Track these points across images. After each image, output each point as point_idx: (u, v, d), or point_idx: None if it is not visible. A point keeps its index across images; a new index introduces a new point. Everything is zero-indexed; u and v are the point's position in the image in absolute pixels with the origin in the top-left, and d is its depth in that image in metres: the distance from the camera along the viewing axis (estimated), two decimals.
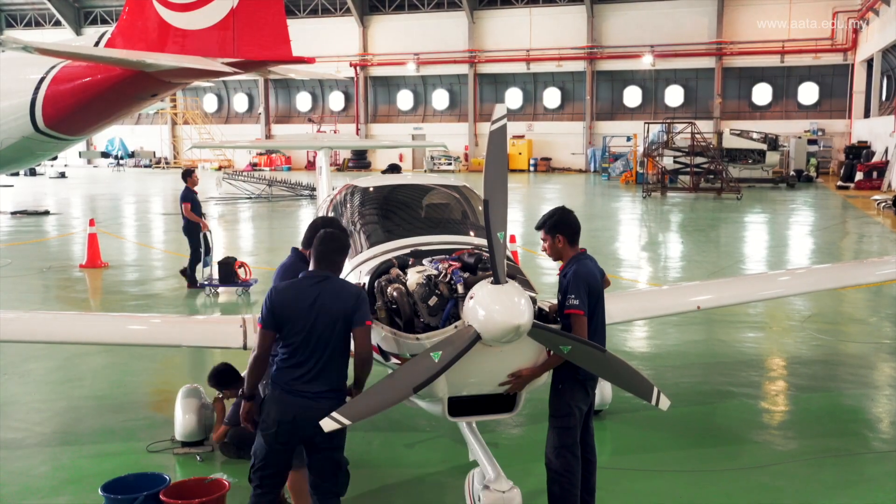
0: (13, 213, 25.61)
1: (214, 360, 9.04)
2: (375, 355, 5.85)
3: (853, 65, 45.37)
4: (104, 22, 57.92)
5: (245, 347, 6.54)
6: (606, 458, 6.75)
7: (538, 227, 5.30)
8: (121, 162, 58.59)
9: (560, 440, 5.04)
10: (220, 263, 13.13)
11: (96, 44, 17.49)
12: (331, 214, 6.96)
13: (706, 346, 10.00)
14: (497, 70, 53.00)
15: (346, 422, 4.78)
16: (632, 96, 51.17)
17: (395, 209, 6.69)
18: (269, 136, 57.58)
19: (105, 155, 59.75)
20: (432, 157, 51.36)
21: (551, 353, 4.82)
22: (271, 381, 4.73)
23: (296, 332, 4.59)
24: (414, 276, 5.20)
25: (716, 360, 9.37)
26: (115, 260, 16.44)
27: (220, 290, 13.05)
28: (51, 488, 6.03)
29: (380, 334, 5.11)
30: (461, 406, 4.92)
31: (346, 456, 4.83)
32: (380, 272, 5.45)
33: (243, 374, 7.05)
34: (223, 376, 6.79)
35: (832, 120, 46.70)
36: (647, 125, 36.83)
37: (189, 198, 13.42)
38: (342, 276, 6.11)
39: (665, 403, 5.25)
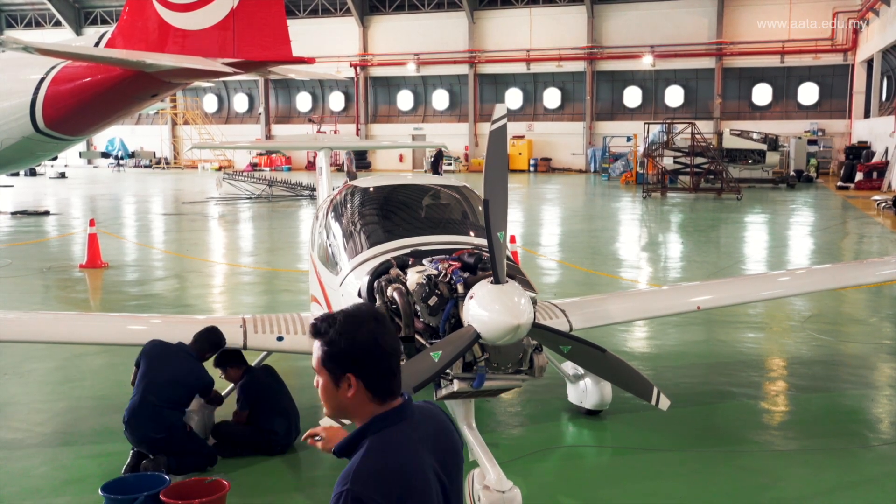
0: (13, 214, 25.61)
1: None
2: None
3: (853, 65, 45.38)
4: (104, 22, 57.94)
5: (245, 347, 6.54)
6: (607, 458, 6.76)
7: None
8: (121, 162, 58.61)
9: None
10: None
11: (96, 44, 17.51)
12: (331, 214, 6.96)
13: (706, 347, 10.00)
14: (497, 70, 53.00)
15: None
16: (632, 96, 51.18)
17: (394, 209, 6.69)
18: (269, 136, 57.58)
19: (105, 155, 59.76)
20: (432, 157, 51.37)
21: None
22: None
23: None
24: (414, 276, 5.20)
25: (716, 361, 9.36)
26: (115, 260, 16.43)
27: None
28: (51, 488, 6.03)
29: None
30: None
31: None
32: (379, 272, 5.45)
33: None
34: (226, 355, 6.72)
35: (832, 120, 46.71)
36: (647, 125, 36.82)
37: None
38: (344, 274, 6.13)
39: (665, 403, 5.26)
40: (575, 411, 7.45)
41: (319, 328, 2.50)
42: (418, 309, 5.07)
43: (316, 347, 2.50)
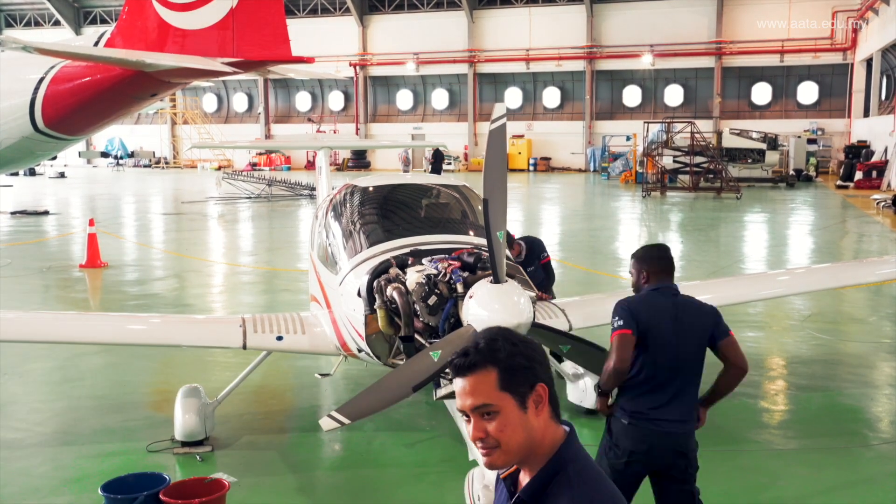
0: (13, 213, 25.60)
1: (214, 360, 9.06)
2: (369, 355, 5.86)
3: (853, 64, 45.37)
4: (104, 22, 57.90)
5: (244, 347, 6.54)
6: None
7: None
8: (120, 162, 58.57)
9: None
10: None
11: (96, 44, 17.49)
12: (331, 214, 6.96)
13: None
14: (496, 70, 52.99)
15: (346, 420, 4.79)
16: (631, 96, 51.16)
17: (394, 209, 6.70)
18: (268, 135, 57.55)
19: (104, 155, 59.70)
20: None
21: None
22: (619, 407, 4.34)
23: (659, 349, 4.30)
24: (413, 276, 5.21)
25: (715, 360, 9.32)
26: (115, 260, 16.43)
27: None
28: (51, 488, 6.03)
29: None
30: None
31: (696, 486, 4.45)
32: (379, 272, 5.45)
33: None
34: None
35: (832, 119, 46.70)
36: (646, 125, 36.80)
37: None
38: (344, 274, 6.13)
39: None
40: (575, 411, 7.45)
41: (472, 359, 2.12)
42: (418, 308, 5.07)
43: (480, 380, 2.11)
